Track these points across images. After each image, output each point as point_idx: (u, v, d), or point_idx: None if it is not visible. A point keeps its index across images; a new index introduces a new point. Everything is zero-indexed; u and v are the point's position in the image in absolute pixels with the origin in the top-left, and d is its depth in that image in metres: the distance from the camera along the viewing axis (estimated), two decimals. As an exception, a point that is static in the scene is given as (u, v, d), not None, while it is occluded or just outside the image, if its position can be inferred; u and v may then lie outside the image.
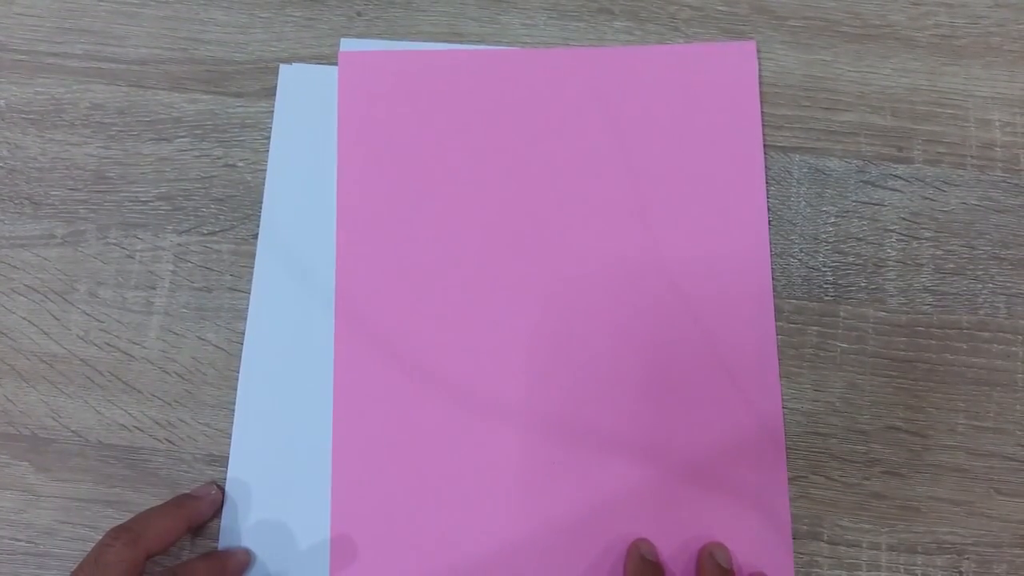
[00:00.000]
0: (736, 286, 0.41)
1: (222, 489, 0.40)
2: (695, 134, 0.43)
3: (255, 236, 0.43)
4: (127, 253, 0.43)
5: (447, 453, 0.40)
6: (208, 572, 0.37)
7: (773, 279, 0.42)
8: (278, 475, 0.40)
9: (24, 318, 0.42)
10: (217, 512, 0.40)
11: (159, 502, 0.40)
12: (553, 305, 0.41)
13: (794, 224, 0.43)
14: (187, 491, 0.40)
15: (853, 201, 0.43)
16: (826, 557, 0.40)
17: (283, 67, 0.44)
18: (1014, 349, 0.41)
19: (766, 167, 0.43)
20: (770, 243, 0.42)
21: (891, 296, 0.42)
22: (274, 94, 0.44)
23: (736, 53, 0.44)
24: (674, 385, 0.40)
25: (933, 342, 0.42)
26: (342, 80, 0.44)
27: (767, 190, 0.43)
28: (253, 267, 0.42)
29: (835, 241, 0.43)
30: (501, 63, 0.44)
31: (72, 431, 0.41)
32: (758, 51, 0.44)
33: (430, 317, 0.41)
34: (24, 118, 0.45)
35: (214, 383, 0.41)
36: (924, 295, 0.42)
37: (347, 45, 0.45)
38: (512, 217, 0.42)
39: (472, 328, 0.41)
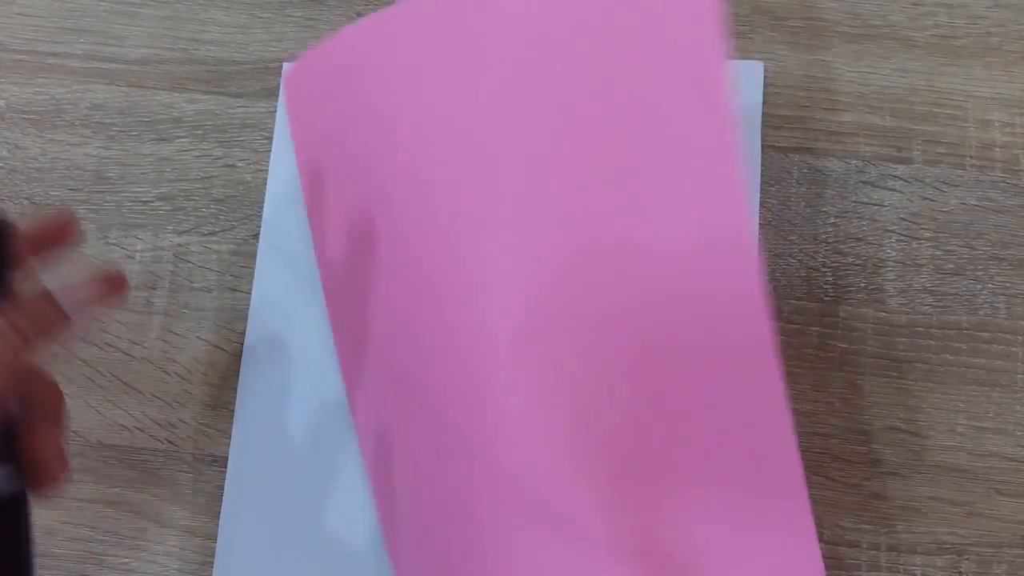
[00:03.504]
0: (718, 280, 0.36)
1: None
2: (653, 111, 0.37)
3: (255, 236, 0.43)
4: (127, 253, 0.43)
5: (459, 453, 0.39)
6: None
7: (773, 280, 0.42)
8: (278, 477, 0.40)
9: (24, 318, 0.42)
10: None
11: (160, 502, 0.40)
12: (536, 306, 0.36)
13: (793, 224, 0.43)
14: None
15: (852, 201, 0.43)
16: (826, 558, 0.39)
17: (287, 66, 0.44)
18: (1014, 350, 0.41)
19: (763, 167, 0.43)
20: (769, 244, 0.42)
21: (891, 296, 0.42)
22: (274, 94, 0.44)
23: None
24: (666, 392, 0.38)
25: (933, 343, 0.42)
26: (289, 105, 0.42)
27: (766, 190, 0.43)
28: (253, 267, 0.42)
29: (835, 241, 0.43)
30: (445, 10, 0.38)
31: (72, 431, 0.41)
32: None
33: (413, 312, 0.39)
34: (24, 118, 0.45)
35: (214, 383, 0.41)
36: (924, 295, 0.42)
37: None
38: (479, 203, 0.37)
39: (456, 328, 0.37)
